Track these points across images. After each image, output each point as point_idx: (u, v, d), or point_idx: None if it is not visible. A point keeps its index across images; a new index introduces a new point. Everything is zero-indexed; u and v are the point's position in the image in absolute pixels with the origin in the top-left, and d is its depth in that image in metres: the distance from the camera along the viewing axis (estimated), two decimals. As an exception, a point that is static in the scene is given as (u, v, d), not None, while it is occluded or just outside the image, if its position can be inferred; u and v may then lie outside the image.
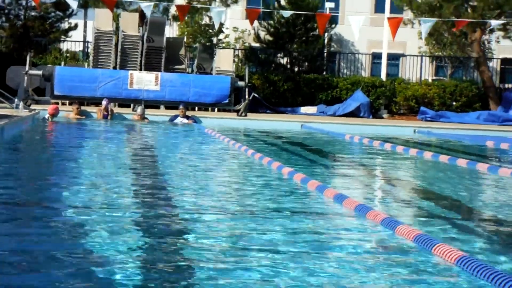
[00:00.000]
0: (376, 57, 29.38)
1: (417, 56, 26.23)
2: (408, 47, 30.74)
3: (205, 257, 3.83)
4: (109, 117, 16.17)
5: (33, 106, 16.08)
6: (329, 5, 29.84)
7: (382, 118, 21.74)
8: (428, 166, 10.13)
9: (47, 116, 14.85)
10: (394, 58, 29.65)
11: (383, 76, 23.58)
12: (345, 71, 28.19)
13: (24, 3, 24.63)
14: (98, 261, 3.64)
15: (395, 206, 6.30)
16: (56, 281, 3.28)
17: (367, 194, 7.07)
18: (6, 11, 24.56)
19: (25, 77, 17.46)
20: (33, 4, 21.54)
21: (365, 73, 28.20)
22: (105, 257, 3.74)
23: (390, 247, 4.35)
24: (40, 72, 17.82)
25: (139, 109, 16.36)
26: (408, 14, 26.29)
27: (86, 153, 9.57)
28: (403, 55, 29.86)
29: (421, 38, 24.56)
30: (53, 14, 25.52)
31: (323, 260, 3.90)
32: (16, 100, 15.53)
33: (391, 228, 4.70)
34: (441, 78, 28.46)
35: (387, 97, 22.44)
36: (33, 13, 24.91)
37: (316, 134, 15.47)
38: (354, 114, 21.00)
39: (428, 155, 10.86)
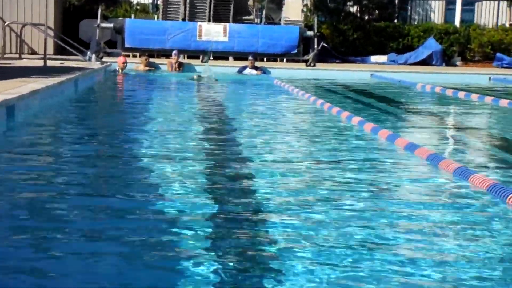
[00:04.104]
0: (450, 3, 28.36)
1: (494, 0, 25.20)
2: (484, -9, 29.52)
3: (271, 208, 3.84)
4: (179, 69, 16.29)
5: (105, 59, 16.34)
6: (401, -51, 28.85)
7: (456, 65, 21.10)
8: (504, 114, 9.79)
9: (117, 68, 15.11)
10: (469, 4, 28.58)
11: (457, 22, 22.79)
12: (416, 17, 27.39)
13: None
14: (164, 219, 3.70)
15: (469, 155, 6.15)
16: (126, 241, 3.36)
17: (440, 144, 6.91)
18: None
19: (97, 30, 17.72)
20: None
21: (438, 20, 27.31)
22: (173, 215, 3.80)
23: (463, 196, 4.25)
24: (111, 25, 18.03)
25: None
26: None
27: (155, 105, 9.69)
28: (478, 0, 28.75)
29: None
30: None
31: (394, 211, 3.85)
32: (88, 53, 15.80)
33: (465, 177, 4.59)
34: (519, 23, 27.28)
35: (461, 44, 21.73)
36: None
37: (386, 83, 15.16)
38: (426, 62, 20.45)
39: (504, 102, 10.48)
